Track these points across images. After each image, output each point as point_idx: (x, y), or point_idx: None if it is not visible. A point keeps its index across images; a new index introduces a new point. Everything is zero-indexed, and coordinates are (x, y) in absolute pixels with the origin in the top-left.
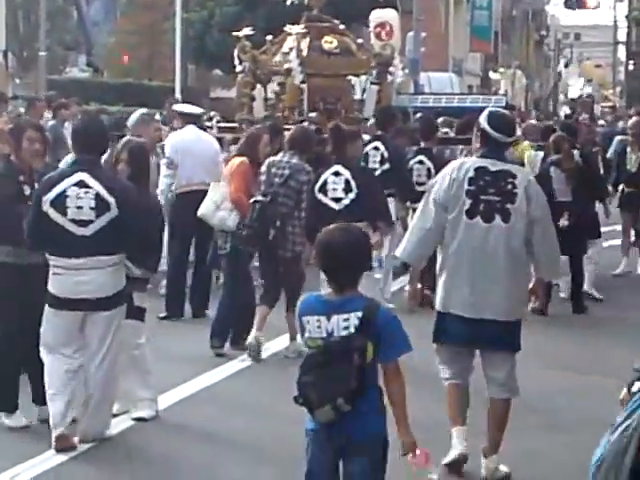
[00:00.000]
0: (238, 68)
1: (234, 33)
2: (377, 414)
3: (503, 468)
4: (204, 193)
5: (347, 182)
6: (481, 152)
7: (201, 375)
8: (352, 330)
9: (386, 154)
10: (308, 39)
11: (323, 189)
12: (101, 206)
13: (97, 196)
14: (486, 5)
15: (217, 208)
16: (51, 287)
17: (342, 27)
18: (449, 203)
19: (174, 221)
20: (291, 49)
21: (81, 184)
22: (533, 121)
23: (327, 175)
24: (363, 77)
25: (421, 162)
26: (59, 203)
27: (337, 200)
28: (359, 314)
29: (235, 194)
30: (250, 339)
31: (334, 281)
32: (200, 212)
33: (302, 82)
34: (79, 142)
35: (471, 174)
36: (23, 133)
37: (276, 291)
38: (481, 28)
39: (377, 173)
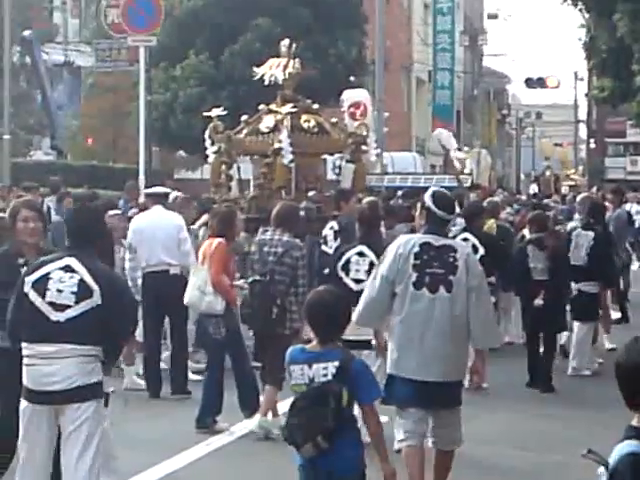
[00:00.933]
0: (210, 149)
1: (205, 113)
2: (355, 450)
3: None
4: (164, 273)
5: (371, 264)
6: (425, 228)
7: (167, 460)
8: (330, 377)
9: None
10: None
11: (345, 267)
12: (83, 292)
13: (81, 282)
14: (448, 85)
15: (202, 293)
16: (24, 379)
17: (316, 106)
18: (396, 276)
19: (143, 302)
20: (272, 128)
21: (67, 268)
22: (496, 198)
23: (351, 254)
24: (336, 156)
25: (466, 239)
26: (40, 284)
27: (358, 281)
28: (336, 363)
29: (216, 277)
30: (257, 427)
31: (318, 334)
32: (186, 301)
33: (291, 162)
34: (71, 230)
35: (417, 249)
36: (17, 214)
37: (280, 370)
38: (443, 107)
39: None
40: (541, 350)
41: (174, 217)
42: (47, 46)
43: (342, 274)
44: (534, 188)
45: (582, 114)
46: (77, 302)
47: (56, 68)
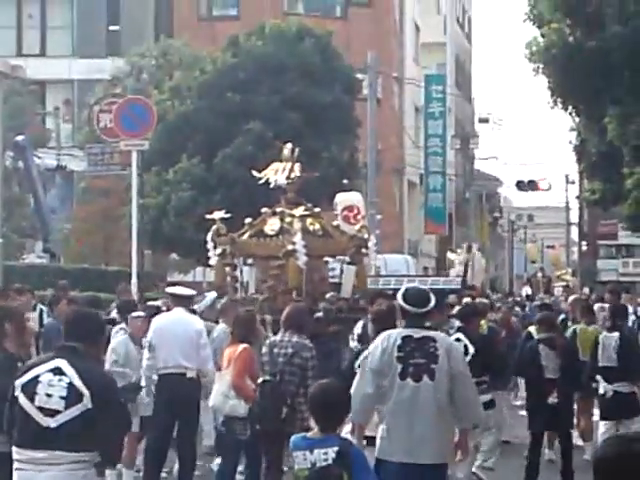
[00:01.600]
0: (212, 252)
1: (208, 216)
2: None
3: None
4: (181, 376)
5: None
6: (404, 324)
7: None
8: (330, 461)
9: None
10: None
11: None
12: (73, 397)
13: (70, 385)
14: (440, 188)
15: (226, 397)
16: None
17: (317, 210)
18: (383, 368)
19: (156, 403)
20: (279, 231)
21: (56, 371)
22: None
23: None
24: (337, 258)
25: (458, 339)
26: (29, 388)
27: None
28: (335, 449)
29: (237, 380)
30: None
31: (319, 423)
32: (211, 404)
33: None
34: (67, 329)
35: (399, 342)
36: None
37: (280, 468)
38: (435, 210)
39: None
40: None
41: (196, 321)
42: (40, 151)
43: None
44: (527, 290)
45: (574, 216)
46: (67, 407)
47: (49, 172)
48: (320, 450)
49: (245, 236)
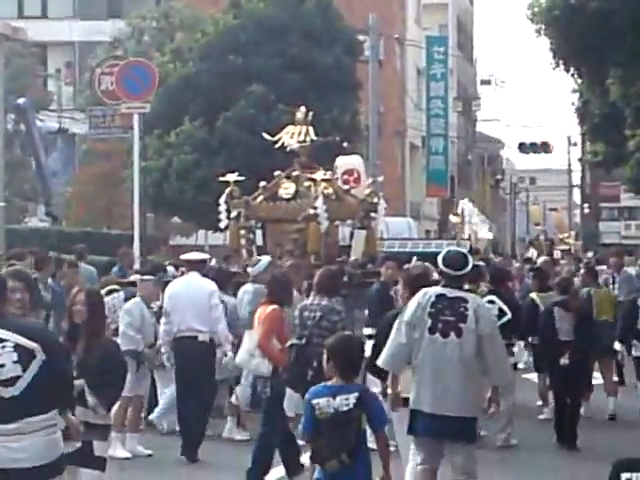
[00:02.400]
0: (224, 215)
1: (221, 178)
2: (366, 465)
3: None
4: (193, 339)
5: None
6: (442, 283)
7: None
8: (351, 406)
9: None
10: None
11: None
12: (25, 356)
13: (17, 346)
14: (441, 150)
15: (251, 356)
16: None
17: (329, 174)
18: (416, 322)
19: (175, 366)
20: (294, 195)
21: None
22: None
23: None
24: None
25: (492, 302)
26: None
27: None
28: (356, 394)
29: (262, 341)
30: None
31: (341, 372)
32: (237, 361)
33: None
34: None
35: (433, 299)
36: (5, 286)
37: None
38: (437, 173)
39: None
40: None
41: (207, 283)
42: (41, 113)
43: None
44: (533, 252)
45: (576, 179)
46: (24, 369)
47: (50, 135)
48: (342, 396)
49: (259, 199)
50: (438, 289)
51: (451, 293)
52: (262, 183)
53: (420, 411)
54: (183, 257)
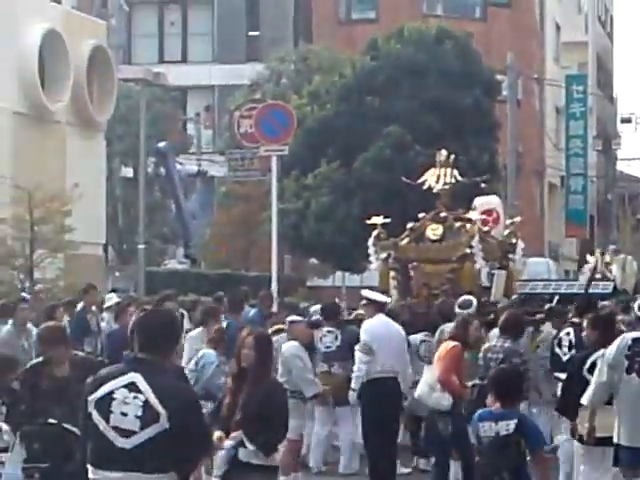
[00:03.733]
0: (374, 257)
1: (368, 221)
2: None
3: None
4: (395, 380)
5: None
6: (638, 327)
7: None
8: (511, 431)
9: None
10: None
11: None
12: (149, 416)
13: (146, 404)
14: (581, 189)
15: (431, 389)
16: None
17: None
18: (616, 364)
19: (370, 407)
20: (442, 236)
21: (131, 387)
22: None
23: (594, 358)
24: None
25: (568, 333)
26: (103, 405)
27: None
28: (515, 421)
29: (443, 375)
30: None
31: (502, 400)
32: (417, 395)
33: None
34: (140, 337)
35: (630, 343)
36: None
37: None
38: (576, 213)
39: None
40: None
41: (399, 327)
42: (181, 157)
43: (588, 376)
44: None
45: None
46: (142, 428)
47: (189, 178)
48: (503, 422)
49: (405, 241)
50: (635, 333)
51: None
52: (409, 225)
53: (622, 445)
54: (368, 295)
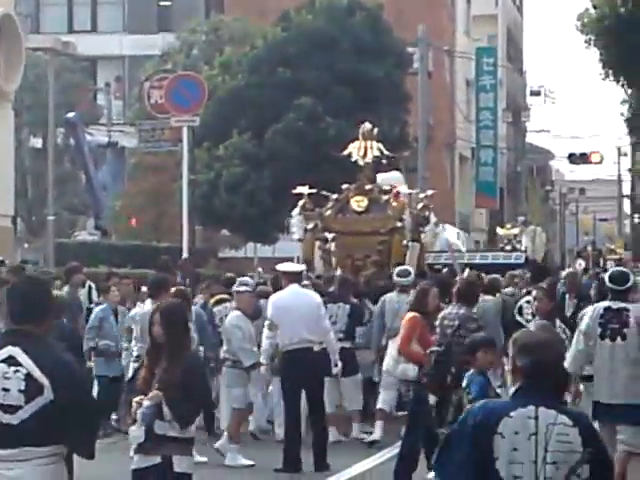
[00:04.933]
0: (299, 226)
1: (295, 191)
2: None
3: None
4: (307, 350)
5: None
6: (609, 297)
7: None
8: None
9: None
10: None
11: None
12: (32, 389)
13: (28, 376)
14: (491, 161)
15: (396, 362)
16: None
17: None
18: (590, 332)
19: (283, 379)
20: (366, 208)
21: (10, 361)
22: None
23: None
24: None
25: (529, 301)
26: None
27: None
28: None
29: (401, 346)
30: None
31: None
32: (385, 368)
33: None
34: (11, 309)
35: (601, 312)
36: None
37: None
38: (486, 184)
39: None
40: None
41: (314, 294)
42: (91, 127)
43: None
44: (581, 263)
45: (626, 189)
46: (27, 402)
47: (100, 149)
48: None
49: (329, 212)
50: (606, 303)
51: (616, 305)
52: (334, 196)
53: (599, 402)
54: (280, 268)
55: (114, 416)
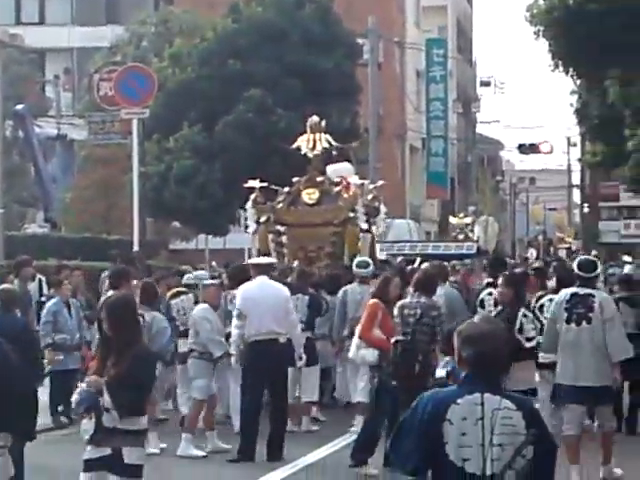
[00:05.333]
0: (252, 220)
1: (246, 185)
2: None
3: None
4: (273, 342)
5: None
6: (576, 284)
7: None
8: None
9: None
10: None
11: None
12: None
13: None
14: (441, 152)
15: (358, 348)
16: None
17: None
18: (557, 316)
19: (247, 369)
20: (318, 200)
21: None
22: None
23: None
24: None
25: (490, 294)
26: None
27: (529, 340)
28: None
29: (361, 332)
30: None
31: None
32: (350, 356)
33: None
34: None
35: (568, 297)
36: None
37: None
38: (437, 175)
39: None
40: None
41: (282, 287)
42: (40, 120)
43: (518, 336)
44: (532, 252)
45: (576, 179)
46: None
47: (49, 141)
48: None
49: (281, 205)
50: (573, 289)
51: (582, 291)
52: (284, 189)
53: (563, 384)
54: (251, 261)
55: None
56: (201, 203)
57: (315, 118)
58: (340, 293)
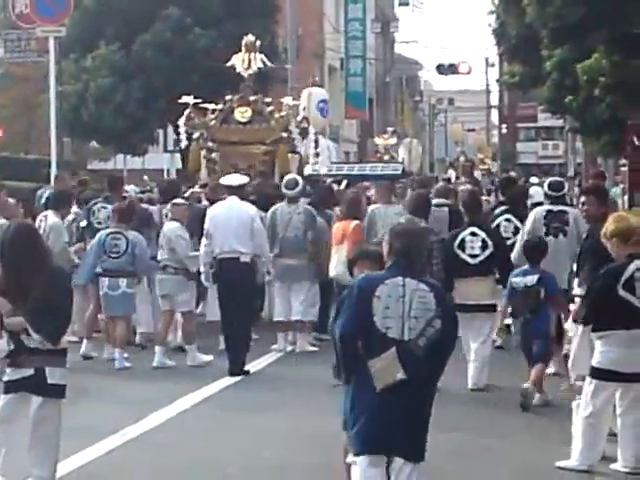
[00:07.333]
0: (184, 136)
1: (180, 100)
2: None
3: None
4: (235, 260)
5: (484, 241)
6: (549, 202)
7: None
8: (535, 282)
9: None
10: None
11: (461, 246)
12: None
13: None
14: (360, 72)
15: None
16: None
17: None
18: (535, 231)
19: (218, 286)
20: (250, 119)
21: None
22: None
23: (465, 234)
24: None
25: (508, 220)
26: None
27: (473, 256)
28: (538, 275)
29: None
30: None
31: (532, 261)
32: (333, 274)
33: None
34: None
35: (544, 214)
36: None
37: None
38: (356, 95)
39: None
40: None
41: (249, 207)
42: None
43: (458, 252)
44: (452, 173)
45: (494, 99)
46: None
47: None
48: (531, 276)
49: (214, 122)
50: (547, 207)
51: (556, 208)
52: (219, 106)
53: None
54: (222, 181)
55: None
56: (119, 122)
57: (250, 37)
58: (269, 214)
